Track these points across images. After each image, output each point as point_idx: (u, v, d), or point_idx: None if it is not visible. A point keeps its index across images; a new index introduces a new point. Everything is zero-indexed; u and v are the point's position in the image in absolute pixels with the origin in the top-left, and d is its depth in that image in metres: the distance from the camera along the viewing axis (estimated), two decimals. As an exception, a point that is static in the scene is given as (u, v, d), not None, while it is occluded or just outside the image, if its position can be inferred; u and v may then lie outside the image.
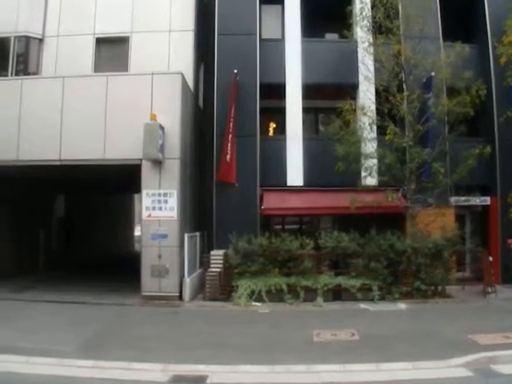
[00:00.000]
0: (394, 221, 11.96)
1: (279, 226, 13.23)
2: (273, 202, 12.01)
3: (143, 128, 10.33)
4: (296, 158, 12.51)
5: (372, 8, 12.12)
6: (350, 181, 11.91)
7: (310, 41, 12.97)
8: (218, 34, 12.59)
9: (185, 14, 12.60)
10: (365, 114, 11.61)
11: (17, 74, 12.62)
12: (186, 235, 10.77)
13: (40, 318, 9.33)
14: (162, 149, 10.46)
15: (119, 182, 15.08)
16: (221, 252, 11.31)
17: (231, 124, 11.91)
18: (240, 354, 7.11)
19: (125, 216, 24.97)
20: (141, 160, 10.78)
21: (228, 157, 11.83)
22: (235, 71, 11.86)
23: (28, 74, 12.73)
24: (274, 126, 13.08)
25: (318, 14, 12.83)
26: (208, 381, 6.24)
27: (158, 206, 10.70)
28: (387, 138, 10.65)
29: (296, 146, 12.53)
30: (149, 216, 10.72)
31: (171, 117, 10.74)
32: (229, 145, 11.85)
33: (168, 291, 10.62)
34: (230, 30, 12.53)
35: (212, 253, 11.38)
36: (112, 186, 16.44)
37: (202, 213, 13.28)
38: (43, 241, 15.66)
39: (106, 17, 12.74)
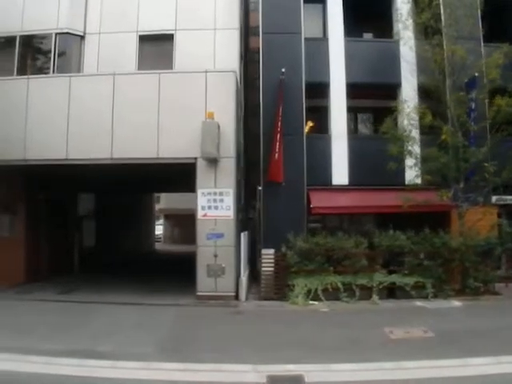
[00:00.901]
0: (438, 219, 12.08)
1: (318, 225, 13.27)
2: (321, 200, 12.01)
3: (201, 126, 10.26)
4: (341, 156, 12.53)
5: (415, 7, 12.21)
6: (393, 180, 12.08)
7: (353, 40, 13.00)
8: (263, 33, 12.55)
9: (229, 12, 12.52)
10: (409, 113, 11.70)
11: (58, 71, 12.40)
12: (242, 234, 10.72)
13: (103, 319, 9.21)
14: (218, 147, 10.40)
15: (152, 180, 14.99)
16: (271, 251, 11.28)
17: (279, 123, 11.89)
18: (324, 352, 7.12)
19: (145, 215, 24.74)
20: (195, 159, 10.71)
21: (276, 156, 11.80)
22: (283, 70, 11.83)
23: (69, 71, 12.51)
24: (318, 124, 13.07)
25: (359, 13, 12.85)
26: (306, 380, 6.22)
27: (214, 205, 10.62)
28: (443, 137, 10.75)
29: (341, 145, 12.55)
30: (204, 215, 10.63)
31: (226, 115, 10.66)
32: (277, 144, 11.82)
33: (224, 291, 10.55)
34: (274, 28, 12.49)
35: (263, 252, 11.34)
36: (145, 184, 16.30)
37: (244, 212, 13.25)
38: (78, 241, 15.43)
39: (150, 14, 12.59)
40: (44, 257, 13.30)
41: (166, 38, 12.50)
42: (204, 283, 10.59)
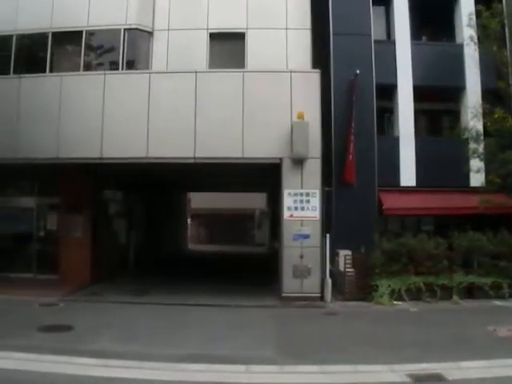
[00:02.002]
0: (503, 221, 12.32)
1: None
2: (392, 202, 12.14)
3: (292, 126, 10.25)
4: (408, 158, 12.68)
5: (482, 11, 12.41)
6: (457, 182, 12.33)
7: (419, 43, 13.18)
8: (334, 34, 12.58)
9: (301, 12, 12.46)
10: (477, 116, 11.92)
11: (128, 68, 12.16)
12: (327, 235, 10.72)
13: (199, 322, 9.08)
14: (308, 148, 10.37)
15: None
16: (348, 252, 11.33)
17: (353, 124, 11.95)
18: (442, 350, 7.21)
19: (181, 215, 24.55)
20: (281, 159, 10.67)
21: (350, 157, 11.86)
22: (357, 72, 11.89)
23: (138, 67, 12.29)
24: (385, 126, 13.19)
25: (423, 15, 13.04)
26: (449, 378, 6.28)
27: (301, 206, 10.60)
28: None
29: (408, 147, 12.70)
30: (290, 216, 10.59)
31: (311, 115, 10.60)
32: (351, 145, 11.88)
33: (309, 292, 10.55)
34: (344, 30, 12.54)
35: (341, 253, 11.37)
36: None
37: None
38: (134, 241, 15.17)
39: (220, 11, 12.43)
40: (104, 257, 13.03)
41: (237, 37, 12.37)
42: (290, 284, 10.57)
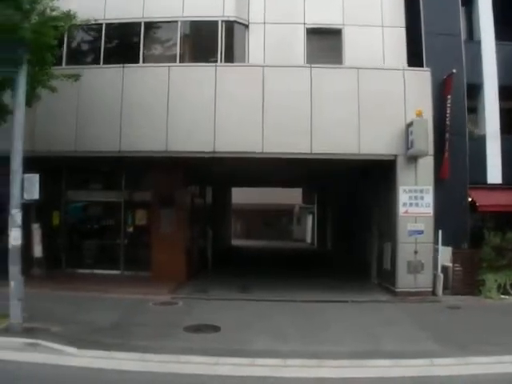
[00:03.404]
0: None
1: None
2: (484, 199, 12.42)
3: (413, 123, 10.34)
4: (495, 156, 12.97)
5: None
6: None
7: (503, 44, 13.46)
8: (425, 33, 12.70)
9: (395, 10, 12.54)
10: None
11: (225, 61, 11.92)
12: (439, 231, 10.90)
13: (333, 318, 9.15)
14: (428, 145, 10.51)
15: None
16: (448, 248, 11.55)
17: (447, 122, 12.14)
18: None
19: (227, 210, 24.36)
20: (395, 156, 10.77)
21: (446, 154, 12.06)
22: (454, 71, 12.06)
23: (234, 61, 12.07)
24: (472, 125, 13.45)
25: (507, 16, 13.32)
26: None
27: (415, 203, 10.74)
28: None
29: (494, 145, 12.99)
30: (405, 212, 10.72)
31: (424, 113, 10.73)
32: (446, 143, 12.08)
33: (421, 287, 10.72)
34: (435, 29, 12.65)
35: (442, 249, 11.58)
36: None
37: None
38: (210, 236, 14.93)
39: (316, 7, 12.35)
40: (194, 253, 12.82)
41: (334, 33, 12.33)
42: (403, 279, 10.71)
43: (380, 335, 7.95)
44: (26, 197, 7.82)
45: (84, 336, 7.58)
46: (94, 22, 10.65)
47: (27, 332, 7.66)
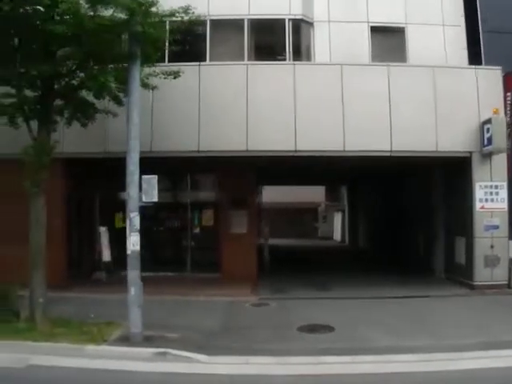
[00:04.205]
0: None
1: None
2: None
3: (492, 121, 10.56)
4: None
5: None
6: None
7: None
8: (483, 32, 12.99)
9: (455, 9, 12.78)
10: None
11: (294, 59, 11.88)
12: (513, 226, 11.21)
13: (431, 312, 9.29)
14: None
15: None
16: None
17: (508, 119, 12.45)
18: None
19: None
20: (470, 153, 11.01)
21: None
22: (515, 69, 12.41)
23: (300, 59, 12.06)
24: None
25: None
26: None
27: (490, 198, 11.00)
28: None
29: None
30: (482, 207, 10.97)
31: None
32: (510, 141, 12.41)
33: (498, 280, 10.97)
34: (493, 27, 12.91)
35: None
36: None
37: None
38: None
39: (379, 5, 12.45)
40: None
41: (398, 31, 12.47)
42: (481, 273, 10.94)
43: (488, 326, 8.04)
44: (144, 199, 7.59)
45: (203, 342, 7.42)
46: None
47: (148, 340, 7.44)
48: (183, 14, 7.62)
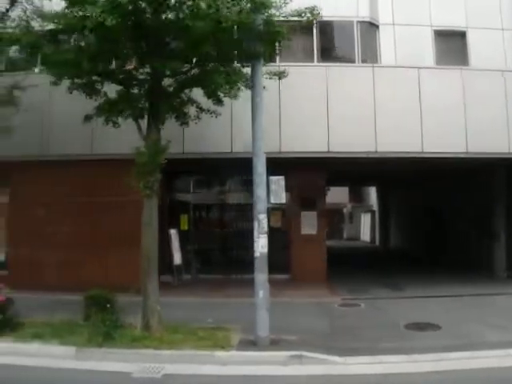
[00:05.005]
0: None
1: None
2: None
3: None
4: None
5: None
6: None
7: None
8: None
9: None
10: None
11: (363, 62, 11.95)
12: None
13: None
14: None
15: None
16: None
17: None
18: None
19: None
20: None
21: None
22: None
23: (367, 62, 12.11)
24: None
25: None
26: None
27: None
28: None
29: None
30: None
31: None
32: None
33: None
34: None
35: None
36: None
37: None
38: None
39: (441, 9, 12.59)
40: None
41: (459, 35, 12.67)
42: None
43: None
44: (272, 200, 7.52)
45: (322, 343, 7.39)
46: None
47: (274, 344, 7.36)
48: (309, 15, 7.56)
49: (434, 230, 17.27)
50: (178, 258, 11.28)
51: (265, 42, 7.55)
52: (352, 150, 10.68)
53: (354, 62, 11.97)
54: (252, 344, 7.39)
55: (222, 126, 10.35)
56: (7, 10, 8.41)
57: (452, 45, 12.84)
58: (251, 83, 7.58)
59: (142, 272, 7.83)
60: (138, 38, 7.02)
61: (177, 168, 11.46)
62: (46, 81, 8.52)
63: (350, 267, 15.24)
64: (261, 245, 7.38)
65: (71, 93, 8.24)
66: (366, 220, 25.64)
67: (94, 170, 11.15)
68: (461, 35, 12.78)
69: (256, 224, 7.40)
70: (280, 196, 7.49)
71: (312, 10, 7.57)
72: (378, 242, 24.50)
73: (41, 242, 11.27)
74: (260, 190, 7.42)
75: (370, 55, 12.39)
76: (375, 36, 12.42)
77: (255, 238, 7.41)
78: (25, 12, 8.04)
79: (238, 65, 7.91)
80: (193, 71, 7.79)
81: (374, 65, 11.37)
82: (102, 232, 11.21)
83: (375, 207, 24.51)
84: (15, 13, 8.54)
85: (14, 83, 8.81)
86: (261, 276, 7.43)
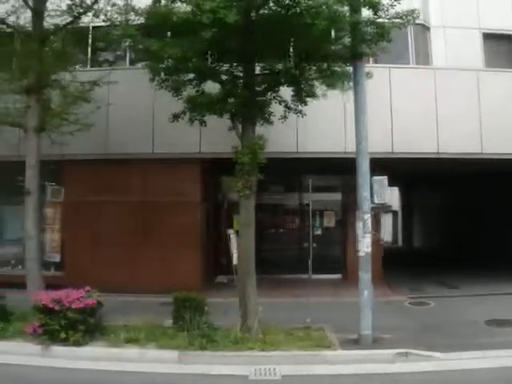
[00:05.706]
0: None
1: None
2: None
3: None
4: None
5: None
6: None
7: None
8: None
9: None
10: None
11: (417, 63, 12.10)
12: None
13: None
14: None
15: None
16: None
17: None
18: None
19: None
20: None
21: None
22: None
23: (420, 63, 12.28)
24: None
25: None
26: None
27: None
28: None
29: None
30: None
31: None
32: None
33: None
34: None
35: None
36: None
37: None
38: None
39: (490, 12, 12.78)
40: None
41: (507, 38, 12.92)
42: None
43: None
44: (376, 200, 7.55)
45: (416, 340, 7.47)
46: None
47: (375, 342, 7.44)
48: (410, 17, 7.61)
49: (469, 229, 17.37)
50: (236, 259, 11.15)
51: (370, 42, 7.59)
52: (418, 151, 10.84)
53: (408, 63, 12.16)
54: (354, 343, 7.47)
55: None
56: (92, 4, 8.15)
57: (500, 48, 13.10)
58: (353, 83, 7.60)
59: (240, 273, 7.74)
60: (249, 35, 6.92)
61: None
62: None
63: (393, 266, 15.41)
64: (365, 244, 7.40)
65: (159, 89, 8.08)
66: (387, 221, 25.81)
67: (152, 169, 10.97)
68: (509, 38, 13.10)
69: (361, 224, 7.42)
70: (383, 196, 7.52)
71: (412, 12, 7.62)
72: (401, 243, 24.86)
73: (97, 242, 11.01)
74: (365, 191, 7.43)
75: (423, 57, 12.60)
76: (427, 38, 12.62)
77: (360, 238, 7.44)
78: (113, 6, 7.81)
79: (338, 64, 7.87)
80: (292, 71, 7.74)
81: (434, 67, 11.54)
82: (159, 232, 11.01)
83: (396, 207, 24.83)
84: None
85: (97, 79, 8.57)
86: (365, 276, 7.47)
